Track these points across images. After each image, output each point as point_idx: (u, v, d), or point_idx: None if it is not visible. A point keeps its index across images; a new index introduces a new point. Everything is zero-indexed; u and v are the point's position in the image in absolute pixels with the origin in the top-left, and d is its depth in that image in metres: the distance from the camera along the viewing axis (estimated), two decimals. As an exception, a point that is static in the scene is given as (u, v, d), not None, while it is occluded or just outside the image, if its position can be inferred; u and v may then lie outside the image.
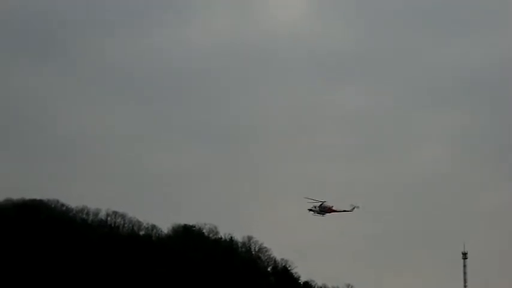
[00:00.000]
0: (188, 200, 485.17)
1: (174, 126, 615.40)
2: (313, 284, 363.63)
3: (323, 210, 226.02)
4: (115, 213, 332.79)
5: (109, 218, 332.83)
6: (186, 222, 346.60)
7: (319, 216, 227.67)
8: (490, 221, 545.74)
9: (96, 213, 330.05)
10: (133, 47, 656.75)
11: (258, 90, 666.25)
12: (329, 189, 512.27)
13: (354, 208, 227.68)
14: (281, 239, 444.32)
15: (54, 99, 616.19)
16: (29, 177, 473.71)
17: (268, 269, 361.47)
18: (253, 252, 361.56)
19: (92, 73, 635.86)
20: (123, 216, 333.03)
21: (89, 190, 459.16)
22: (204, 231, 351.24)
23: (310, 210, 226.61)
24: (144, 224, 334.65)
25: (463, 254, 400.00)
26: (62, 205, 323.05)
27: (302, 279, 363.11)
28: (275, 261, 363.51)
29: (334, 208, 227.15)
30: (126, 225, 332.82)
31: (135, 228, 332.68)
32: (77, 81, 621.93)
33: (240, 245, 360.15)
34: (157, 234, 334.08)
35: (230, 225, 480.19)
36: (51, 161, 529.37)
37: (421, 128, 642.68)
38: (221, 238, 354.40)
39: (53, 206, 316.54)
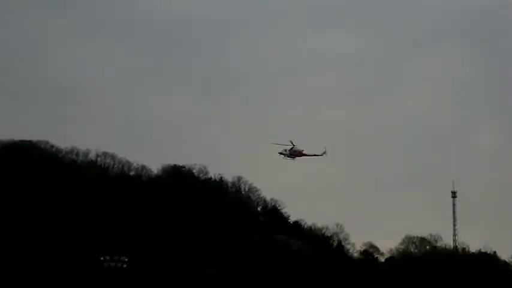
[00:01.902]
0: (178, 143, 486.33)
1: (165, 71, 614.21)
2: (302, 223, 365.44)
3: (293, 154, 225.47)
4: (105, 154, 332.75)
5: (99, 159, 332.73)
6: (176, 163, 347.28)
7: (289, 160, 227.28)
8: (480, 162, 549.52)
9: (86, 154, 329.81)
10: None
11: (249, 35, 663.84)
12: (320, 132, 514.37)
13: (324, 152, 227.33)
14: (271, 180, 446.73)
15: (45, 41, 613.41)
16: (18, 120, 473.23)
17: (258, 209, 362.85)
18: (243, 192, 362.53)
19: (83, 16, 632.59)
20: (112, 156, 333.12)
21: (79, 133, 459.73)
22: (194, 171, 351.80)
23: (281, 153, 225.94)
24: (134, 165, 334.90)
25: (452, 192, 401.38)
26: (52, 146, 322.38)
27: (292, 219, 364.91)
28: (265, 201, 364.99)
29: (304, 152, 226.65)
30: (115, 165, 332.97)
31: (125, 168, 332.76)
32: (67, 24, 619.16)
33: (230, 185, 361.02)
34: (147, 175, 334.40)
35: (220, 166, 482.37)
36: (41, 104, 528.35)
37: (412, 71, 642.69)
38: (211, 178, 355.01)
39: (42, 147, 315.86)
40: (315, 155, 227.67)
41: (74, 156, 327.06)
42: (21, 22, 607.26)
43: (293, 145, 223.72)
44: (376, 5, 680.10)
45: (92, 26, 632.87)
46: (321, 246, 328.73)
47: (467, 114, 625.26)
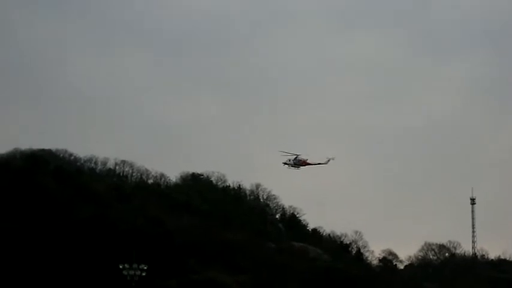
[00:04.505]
0: (197, 150, 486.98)
1: (184, 79, 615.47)
2: (321, 231, 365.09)
3: (297, 163, 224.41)
4: (123, 162, 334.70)
5: (117, 167, 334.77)
6: (194, 171, 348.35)
7: (294, 169, 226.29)
8: (499, 168, 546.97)
9: (105, 163, 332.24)
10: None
11: (268, 41, 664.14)
12: (339, 137, 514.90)
13: (328, 161, 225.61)
14: (289, 187, 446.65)
15: (65, 49, 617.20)
16: (37, 129, 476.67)
17: (277, 216, 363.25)
18: (261, 200, 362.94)
19: (103, 24, 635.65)
20: (131, 165, 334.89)
21: (97, 142, 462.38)
22: (212, 179, 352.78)
23: (285, 163, 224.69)
24: (153, 173, 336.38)
25: (471, 199, 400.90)
26: (70, 155, 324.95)
27: (310, 226, 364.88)
28: (283, 208, 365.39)
29: (308, 161, 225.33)
30: (134, 174, 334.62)
31: (144, 177, 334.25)
32: (87, 31, 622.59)
33: (248, 192, 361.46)
34: (165, 183, 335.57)
35: (238, 174, 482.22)
36: (60, 113, 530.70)
37: (432, 77, 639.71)
38: (229, 186, 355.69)
39: (61, 155, 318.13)
40: (319, 164, 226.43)
41: (92, 165, 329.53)
42: (44, 30, 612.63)
43: (297, 155, 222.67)
44: (394, 10, 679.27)
45: (113, 34, 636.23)
46: (340, 253, 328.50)
47: (487, 119, 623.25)
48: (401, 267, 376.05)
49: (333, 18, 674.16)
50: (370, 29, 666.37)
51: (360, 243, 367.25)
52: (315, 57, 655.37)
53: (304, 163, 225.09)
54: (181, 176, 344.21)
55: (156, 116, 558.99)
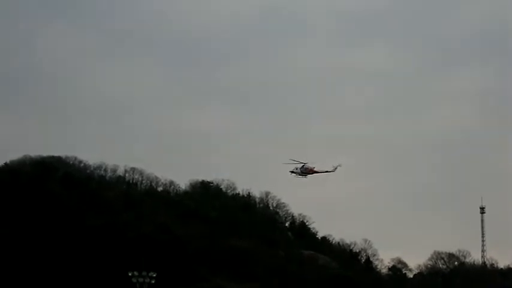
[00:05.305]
0: (206, 158, 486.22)
1: (193, 87, 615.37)
2: (330, 239, 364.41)
3: (304, 171, 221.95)
4: (133, 169, 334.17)
5: (127, 175, 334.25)
6: (203, 179, 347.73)
7: (301, 178, 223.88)
8: (509, 177, 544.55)
9: (114, 170, 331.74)
10: (160, 8, 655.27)
11: (278, 51, 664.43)
12: (349, 148, 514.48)
13: (336, 168, 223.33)
14: (299, 195, 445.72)
15: (75, 56, 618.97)
16: (47, 136, 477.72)
17: (286, 225, 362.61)
18: (271, 208, 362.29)
19: (113, 32, 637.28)
20: (141, 172, 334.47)
21: (107, 148, 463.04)
22: (222, 187, 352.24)
23: (292, 172, 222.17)
24: (162, 180, 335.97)
25: (480, 208, 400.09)
26: (80, 162, 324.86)
27: (320, 235, 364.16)
28: (293, 216, 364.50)
29: (315, 169, 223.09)
30: (144, 181, 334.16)
31: (153, 184, 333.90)
32: (96, 40, 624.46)
33: (257, 200, 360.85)
34: (175, 191, 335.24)
35: (248, 182, 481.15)
36: (69, 120, 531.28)
37: (443, 87, 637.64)
38: (239, 194, 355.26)
39: (70, 162, 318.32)
40: (326, 172, 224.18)
41: (102, 172, 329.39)
42: (52, 39, 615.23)
43: (304, 163, 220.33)
44: (404, 22, 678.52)
45: (123, 43, 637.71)
46: (349, 261, 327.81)
47: (498, 129, 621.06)
48: (411, 275, 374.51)
49: (341, 33, 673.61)
50: (379, 43, 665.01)
51: (369, 252, 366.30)
52: (325, 71, 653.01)
53: (311, 171, 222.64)
54: (190, 184, 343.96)
55: (165, 123, 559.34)
